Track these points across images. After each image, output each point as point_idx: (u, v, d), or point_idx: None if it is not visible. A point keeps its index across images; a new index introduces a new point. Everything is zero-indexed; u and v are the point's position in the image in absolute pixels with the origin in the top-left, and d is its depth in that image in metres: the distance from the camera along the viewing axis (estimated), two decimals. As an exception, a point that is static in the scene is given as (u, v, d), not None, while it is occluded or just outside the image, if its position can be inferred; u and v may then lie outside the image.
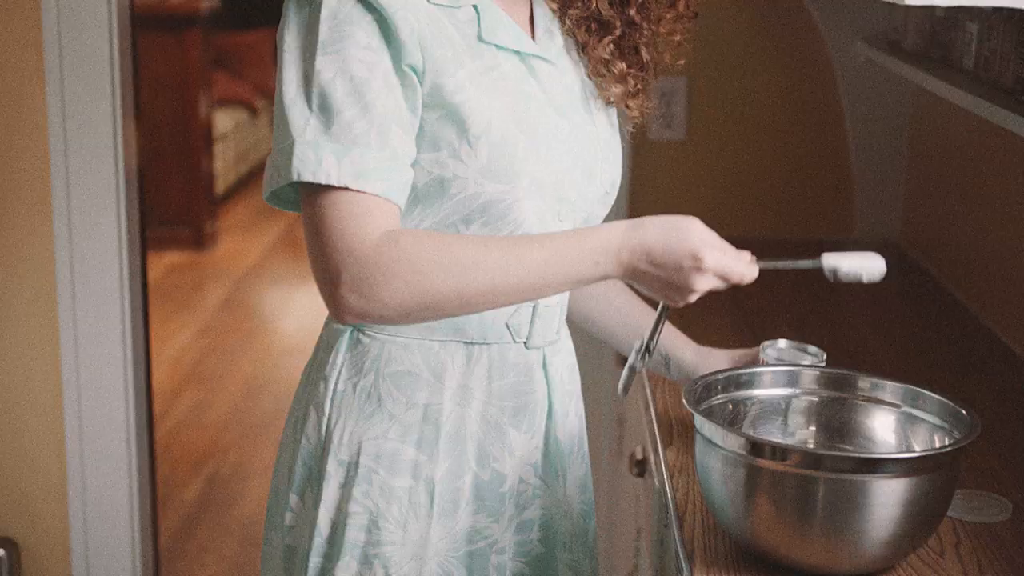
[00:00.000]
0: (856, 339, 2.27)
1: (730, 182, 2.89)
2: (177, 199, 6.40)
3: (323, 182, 1.33)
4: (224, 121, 7.29)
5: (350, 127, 1.34)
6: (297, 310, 5.69)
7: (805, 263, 1.43)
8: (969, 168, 2.49)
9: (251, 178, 7.92)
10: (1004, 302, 2.27)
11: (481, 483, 1.51)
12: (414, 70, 1.38)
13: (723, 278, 1.38)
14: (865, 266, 1.44)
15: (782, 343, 1.66)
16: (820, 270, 1.44)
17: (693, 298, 1.38)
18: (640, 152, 2.67)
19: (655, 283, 1.37)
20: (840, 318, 2.40)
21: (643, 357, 1.51)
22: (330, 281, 1.33)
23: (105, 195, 2.70)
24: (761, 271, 1.42)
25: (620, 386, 1.55)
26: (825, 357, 1.66)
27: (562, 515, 1.58)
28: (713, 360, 1.70)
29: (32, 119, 2.67)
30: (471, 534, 1.51)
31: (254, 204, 7.53)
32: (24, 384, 2.75)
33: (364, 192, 1.33)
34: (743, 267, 1.39)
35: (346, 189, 1.33)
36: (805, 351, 1.66)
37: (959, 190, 2.55)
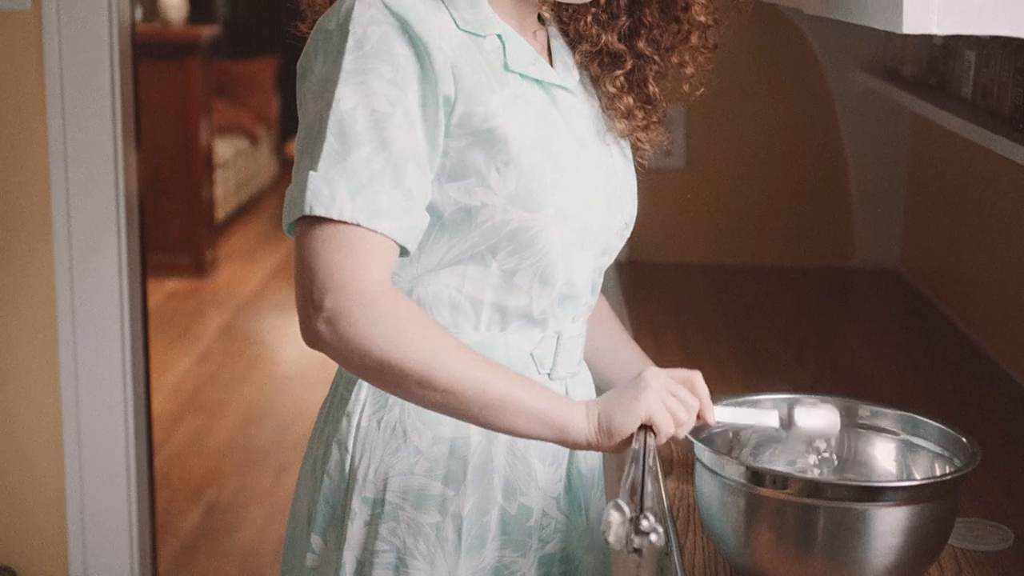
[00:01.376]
0: (856, 366, 2.27)
1: (730, 210, 2.90)
2: (177, 226, 6.41)
3: (335, 217, 1.32)
4: (224, 149, 7.31)
5: (367, 163, 1.33)
6: (297, 337, 5.62)
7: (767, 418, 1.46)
8: (968, 195, 2.50)
9: (251, 205, 7.94)
10: (1004, 329, 2.27)
11: (508, 517, 1.49)
12: (446, 100, 1.37)
13: (673, 377, 1.38)
14: (817, 422, 1.46)
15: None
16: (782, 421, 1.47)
17: (640, 413, 1.34)
18: (639, 180, 2.67)
19: (610, 407, 1.36)
20: (840, 345, 2.40)
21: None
22: (311, 305, 1.32)
23: (106, 222, 2.70)
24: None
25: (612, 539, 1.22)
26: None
27: (584, 549, 1.57)
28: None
29: (33, 146, 2.68)
30: (498, 569, 1.50)
31: (254, 231, 7.54)
32: (24, 411, 2.75)
33: (373, 230, 1.33)
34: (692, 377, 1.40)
35: (356, 226, 1.32)
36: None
37: (958, 217, 2.55)
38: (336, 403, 1.52)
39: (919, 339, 2.45)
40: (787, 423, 1.47)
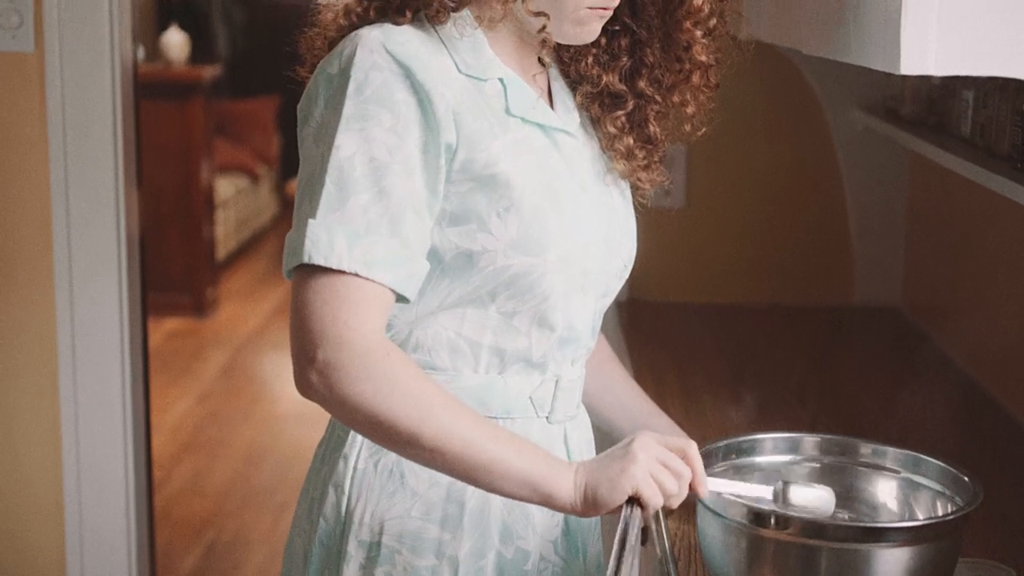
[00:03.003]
0: (856, 405, 2.26)
1: (730, 249, 2.90)
2: (178, 266, 6.41)
3: (334, 266, 1.32)
4: (225, 188, 7.32)
5: (364, 211, 1.33)
6: (297, 376, 5.66)
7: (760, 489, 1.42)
8: (968, 234, 2.50)
9: (252, 244, 7.95)
10: (1005, 367, 2.27)
11: (505, 561, 1.48)
12: (448, 147, 1.37)
13: (665, 445, 1.35)
14: (811, 502, 1.41)
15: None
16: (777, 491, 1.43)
17: (628, 484, 1.31)
18: (639, 220, 2.68)
19: (597, 478, 1.32)
20: (840, 383, 2.40)
21: None
22: (304, 356, 1.32)
23: (106, 261, 2.71)
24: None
25: None
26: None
27: None
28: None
29: (35, 185, 2.68)
30: None
31: (255, 270, 7.55)
32: (25, 449, 2.74)
33: (370, 280, 1.32)
34: (684, 446, 1.36)
35: (354, 275, 1.32)
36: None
37: (958, 255, 2.56)
38: (333, 444, 1.51)
39: (920, 377, 2.45)
40: (781, 499, 1.44)
